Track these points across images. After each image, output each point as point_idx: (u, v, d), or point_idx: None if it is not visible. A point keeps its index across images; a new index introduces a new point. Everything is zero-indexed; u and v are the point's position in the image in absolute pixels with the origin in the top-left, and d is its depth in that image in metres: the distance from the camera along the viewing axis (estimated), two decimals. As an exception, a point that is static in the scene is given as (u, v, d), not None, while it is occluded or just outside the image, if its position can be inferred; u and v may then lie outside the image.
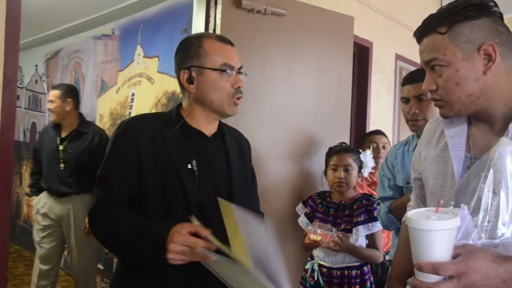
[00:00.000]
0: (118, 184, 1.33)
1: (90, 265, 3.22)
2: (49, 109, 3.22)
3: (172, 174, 1.32)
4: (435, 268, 0.83)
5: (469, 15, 1.00)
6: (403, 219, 1.27)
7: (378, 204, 1.95)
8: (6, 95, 1.78)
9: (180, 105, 1.48)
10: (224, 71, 1.37)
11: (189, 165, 1.34)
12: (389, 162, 1.95)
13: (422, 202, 1.24)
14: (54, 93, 3.19)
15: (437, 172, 1.15)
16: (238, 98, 1.40)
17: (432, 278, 0.85)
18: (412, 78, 1.80)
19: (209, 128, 1.44)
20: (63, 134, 3.16)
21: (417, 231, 0.85)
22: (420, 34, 1.08)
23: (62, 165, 3.08)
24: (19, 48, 1.84)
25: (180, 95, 3.27)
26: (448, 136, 1.11)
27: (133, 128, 1.36)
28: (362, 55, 3.62)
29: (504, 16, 1.05)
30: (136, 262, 1.31)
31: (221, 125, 1.49)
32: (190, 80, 1.38)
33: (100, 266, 3.75)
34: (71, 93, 3.22)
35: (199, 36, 1.43)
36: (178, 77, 1.42)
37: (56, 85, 3.45)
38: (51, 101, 3.18)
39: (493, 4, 1.03)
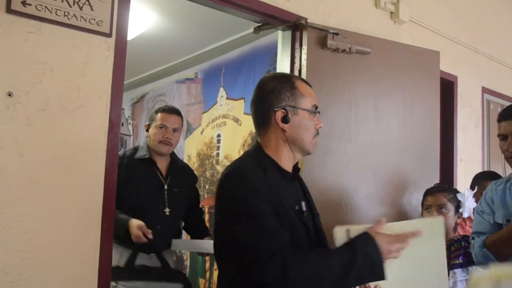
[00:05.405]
0: (278, 229, 1.26)
1: None
2: (169, 140, 2.39)
3: (290, 217, 1.32)
4: None
5: None
6: None
7: (473, 238, 1.83)
8: (110, 138, 1.89)
9: (260, 146, 1.42)
10: (315, 112, 1.43)
11: (297, 206, 1.36)
12: (488, 197, 1.85)
13: None
14: (178, 119, 2.45)
15: None
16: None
17: None
18: (509, 114, 1.73)
19: (288, 167, 1.43)
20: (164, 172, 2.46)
21: None
22: None
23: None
24: (122, 94, 1.97)
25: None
26: None
27: (250, 175, 1.32)
28: (446, 90, 3.49)
29: None
30: None
31: (296, 164, 1.50)
32: (285, 120, 1.37)
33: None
34: None
35: (288, 77, 1.47)
36: (263, 117, 1.41)
37: (171, 107, 2.53)
38: (176, 130, 2.44)
39: None
